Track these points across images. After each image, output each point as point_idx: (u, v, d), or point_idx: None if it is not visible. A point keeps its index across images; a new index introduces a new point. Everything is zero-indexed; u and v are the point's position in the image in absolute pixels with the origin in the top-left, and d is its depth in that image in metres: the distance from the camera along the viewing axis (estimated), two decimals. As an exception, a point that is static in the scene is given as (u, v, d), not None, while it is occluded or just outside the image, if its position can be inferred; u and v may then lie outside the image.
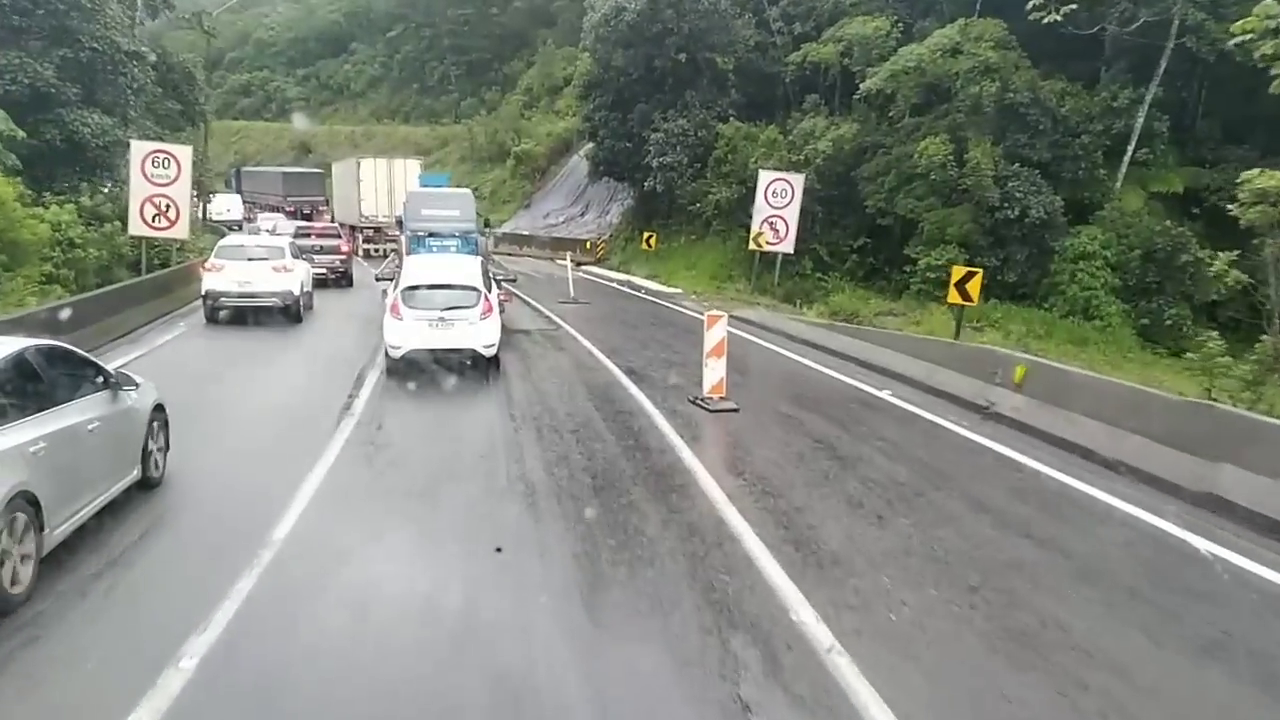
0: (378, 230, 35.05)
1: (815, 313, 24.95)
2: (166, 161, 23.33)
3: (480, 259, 16.44)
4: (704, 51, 32.38)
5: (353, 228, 34.52)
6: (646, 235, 33.59)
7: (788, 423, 11.03)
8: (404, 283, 13.03)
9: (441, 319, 12.44)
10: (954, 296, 15.08)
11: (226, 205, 48.00)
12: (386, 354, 12.76)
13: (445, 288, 12.81)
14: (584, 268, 37.44)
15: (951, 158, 25.30)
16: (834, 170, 29.14)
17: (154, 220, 23.36)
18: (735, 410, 10.97)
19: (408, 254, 17.92)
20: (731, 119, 30.99)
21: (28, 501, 5.42)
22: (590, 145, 37.22)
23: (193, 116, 34.18)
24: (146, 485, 7.43)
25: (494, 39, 74.85)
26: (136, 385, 7.32)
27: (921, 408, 11.72)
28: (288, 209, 47.31)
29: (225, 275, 17.35)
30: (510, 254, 41.96)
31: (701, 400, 11.14)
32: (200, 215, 38.31)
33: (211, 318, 17.44)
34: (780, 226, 28.18)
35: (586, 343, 16.25)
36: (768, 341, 17.92)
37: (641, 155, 33.85)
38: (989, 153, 25.45)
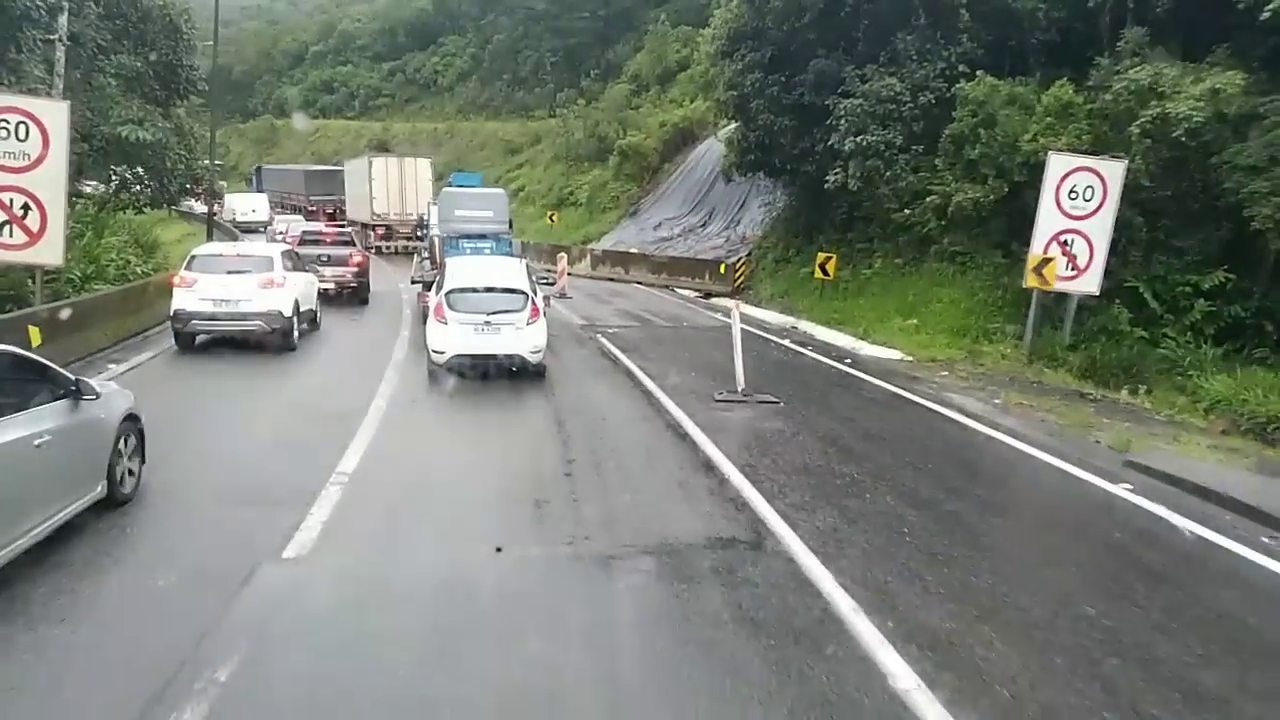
0: (389, 229, 35.52)
1: (1207, 423, 12.83)
2: (22, 128, 13.26)
3: (524, 261, 15.64)
4: (920, -22, 20.58)
5: (364, 225, 34.88)
6: (822, 258, 21.90)
7: None
8: (448, 285, 12.42)
9: (487, 323, 11.89)
10: None
11: (252, 206, 46.15)
12: (430, 358, 12.10)
13: (491, 291, 12.34)
14: (715, 300, 26.07)
15: None
16: (1161, 155, 16.88)
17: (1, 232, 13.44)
18: None
19: (442, 254, 17.03)
20: (981, 75, 18.94)
21: None
22: (732, 125, 25.67)
23: (176, 86, 24.18)
24: (113, 503, 6.62)
25: (596, 21, 64.67)
26: (97, 394, 6.42)
27: None
28: (310, 209, 44.99)
29: (199, 292, 14.01)
30: (613, 279, 30.93)
31: None
32: (208, 215, 31.51)
33: (183, 344, 14.35)
34: (1080, 248, 16.40)
35: (899, 674, 4.73)
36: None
37: (817, 135, 22.23)
38: None
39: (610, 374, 13.63)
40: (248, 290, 13.97)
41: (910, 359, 16.32)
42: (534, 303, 12.23)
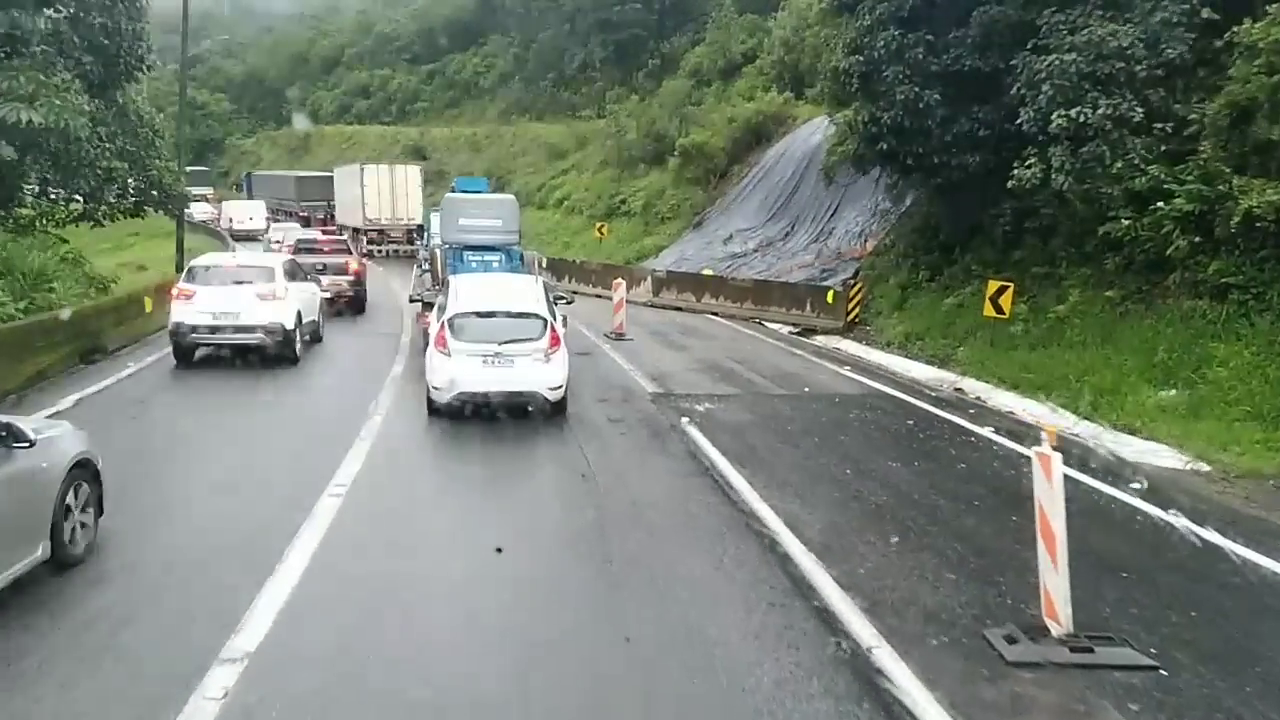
0: (381, 233, 36.55)
1: None
2: None
3: (540, 278, 13.49)
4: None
5: (356, 230, 35.56)
6: (994, 287, 15.28)
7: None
8: (452, 309, 10.91)
9: (499, 355, 10.39)
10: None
11: (249, 213, 45.29)
12: (429, 395, 10.65)
13: (503, 316, 10.88)
14: (828, 343, 19.50)
15: None
16: None
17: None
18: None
19: (445, 270, 15.36)
20: (1276, 9, 12.25)
21: None
22: (853, 108, 18.97)
23: (119, 62, 18.48)
24: (61, 564, 5.77)
25: (649, 12, 58.65)
26: (31, 441, 5.49)
27: None
28: (301, 214, 45.23)
29: (198, 304, 13.61)
30: (681, 307, 24.57)
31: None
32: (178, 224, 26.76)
33: (182, 358, 13.82)
34: None
35: None
36: None
37: (979, 113, 15.74)
38: None
39: (725, 539, 7.15)
40: (248, 302, 13.65)
41: (1210, 468, 9.68)
42: (553, 329, 10.78)
